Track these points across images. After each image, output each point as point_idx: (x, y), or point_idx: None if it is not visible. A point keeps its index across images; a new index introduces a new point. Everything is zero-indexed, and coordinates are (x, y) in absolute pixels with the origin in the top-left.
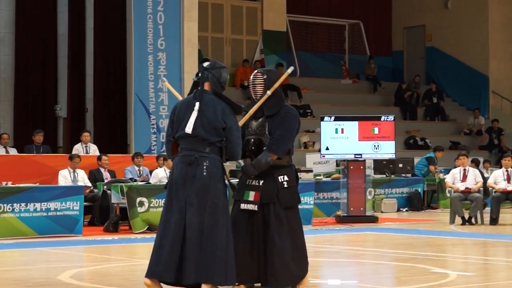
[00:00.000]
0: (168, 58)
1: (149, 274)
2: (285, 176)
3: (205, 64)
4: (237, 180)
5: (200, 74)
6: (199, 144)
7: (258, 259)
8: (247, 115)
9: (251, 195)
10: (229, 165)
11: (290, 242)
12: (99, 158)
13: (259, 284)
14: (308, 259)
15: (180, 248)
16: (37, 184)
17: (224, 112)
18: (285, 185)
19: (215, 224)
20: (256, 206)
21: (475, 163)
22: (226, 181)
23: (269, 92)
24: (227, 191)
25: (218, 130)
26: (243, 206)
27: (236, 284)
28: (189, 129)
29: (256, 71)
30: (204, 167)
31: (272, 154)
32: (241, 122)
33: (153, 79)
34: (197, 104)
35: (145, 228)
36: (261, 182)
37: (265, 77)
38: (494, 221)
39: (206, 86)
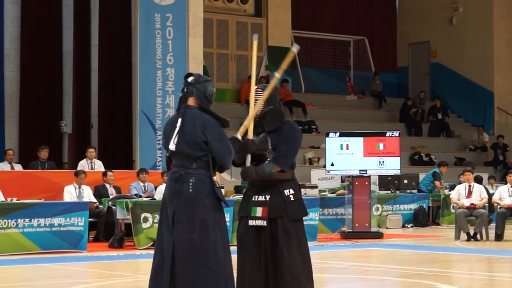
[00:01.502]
0: (175, 73)
1: None
2: (291, 190)
3: (190, 79)
4: (242, 196)
5: (184, 90)
6: (185, 160)
7: (267, 274)
8: (249, 119)
9: (259, 211)
10: (234, 181)
11: (299, 256)
12: (104, 174)
13: None
14: (313, 274)
15: (172, 264)
16: (42, 200)
17: (204, 125)
18: (292, 199)
19: (206, 239)
20: (265, 221)
21: (477, 180)
22: (218, 195)
23: (277, 75)
24: (221, 205)
25: (200, 144)
26: (251, 222)
27: None
28: (172, 146)
29: (256, 87)
30: (190, 184)
31: (277, 166)
32: (242, 130)
33: (161, 95)
34: (180, 120)
35: (150, 244)
36: (268, 197)
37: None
38: (499, 237)
39: (191, 101)
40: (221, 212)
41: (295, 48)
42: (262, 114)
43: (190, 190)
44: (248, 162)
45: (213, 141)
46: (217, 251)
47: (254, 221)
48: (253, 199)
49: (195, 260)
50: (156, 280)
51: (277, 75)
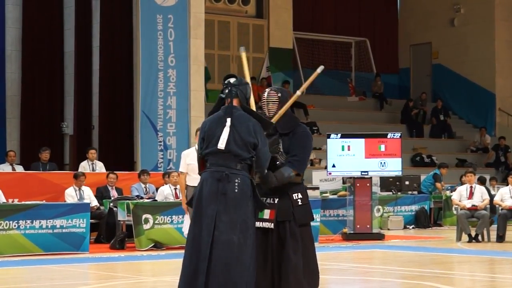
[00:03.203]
0: (177, 75)
1: None
2: (299, 194)
3: (232, 80)
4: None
5: (227, 90)
6: (230, 160)
7: (272, 277)
8: (276, 118)
9: (266, 213)
10: None
11: (303, 260)
12: (107, 176)
13: None
14: None
15: (208, 265)
16: (44, 201)
17: (255, 128)
18: (299, 203)
19: (244, 243)
20: (272, 224)
21: (481, 181)
22: (259, 199)
23: (298, 93)
24: (254, 210)
25: (250, 146)
26: (258, 224)
27: None
28: (222, 144)
29: (269, 88)
30: (236, 184)
31: (295, 171)
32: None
33: (163, 96)
34: (229, 120)
35: (151, 246)
36: (276, 200)
37: (279, 95)
38: (500, 238)
39: (235, 102)
40: (254, 217)
41: (319, 69)
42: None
43: (236, 191)
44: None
45: (261, 144)
46: (249, 256)
47: (261, 223)
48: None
49: (230, 264)
50: (192, 283)
51: (299, 92)
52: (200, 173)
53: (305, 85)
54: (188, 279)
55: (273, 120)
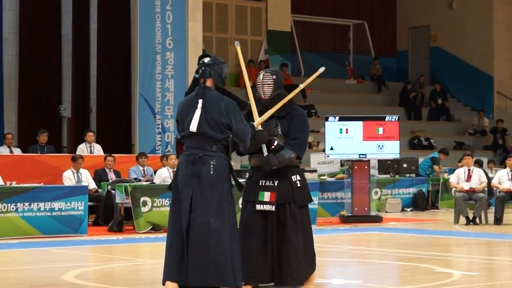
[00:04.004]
0: (175, 58)
1: (165, 278)
2: (298, 176)
3: (206, 60)
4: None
5: (201, 70)
6: (205, 142)
7: (272, 259)
8: (267, 114)
9: (267, 196)
10: (233, 165)
11: (303, 241)
12: (105, 159)
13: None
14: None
15: (186, 248)
16: (41, 184)
17: (228, 107)
18: (299, 185)
19: (222, 224)
20: (273, 206)
21: (479, 164)
22: (233, 180)
23: (301, 86)
24: (232, 191)
25: (223, 126)
26: (259, 207)
27: (243, 283)
28: (193, 127)
29: (264, 71)
30: (211, 166)
31: (295, 153)
32: (259, 121)
33: (161, 79)
34: (200, 101)
35: (149, 228)
36: (276, 182)
37: (274, 77)
38: (498, 221)
39: (209, 82)
40: (233, 197)
41: (322, 69)
42: (270, 99)
43: (211, 172)
44: (265, 151)
45: (236, 123)
46: (231, 236)
47: (261, 205)
48: (260, 184)
49: (209, 245)
50: (175, 267)
51: (301, 86)
52: (177, 156)
53: (308, 81)
54: (172, 263)
55: (264, 118)
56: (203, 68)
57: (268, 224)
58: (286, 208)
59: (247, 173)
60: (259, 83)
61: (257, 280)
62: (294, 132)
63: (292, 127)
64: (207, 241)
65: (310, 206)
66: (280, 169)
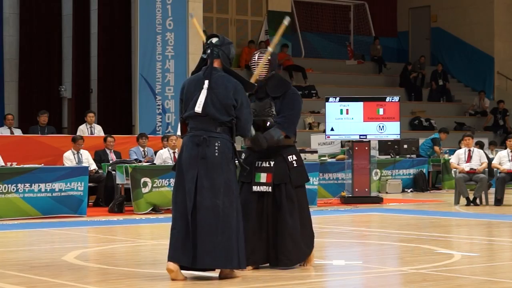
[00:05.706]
0: (175, 38)
1: (169, 259)
2: (294, 156)
3: (214, 40)
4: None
5: (209, 51)
6: (209, 123)
7: (268, 240)
8: (254, 78)
9: (263, 177)
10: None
11: (300, 221)
12: (105, 139)
13: (266, 264)
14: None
15: (192, 230)
16: (42, 165)
17: (235, 89)
18: (295, 165)
19: (230, 206)
20: (270, 187)
21: (480, 145)
22: (237, 162)
23: (270, 49)
24: (236, 172)
25: (229, 108)
26: (255, 188)
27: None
28: (199, 108)
29: (259, 51)
30: (216, 148)
31: (283, 132)
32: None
33: (161, 59)
34: (207, 82)
35: (149, 209)
36: (272, 163)
37: (269, 57)
38: (498, 201)
39: (216, 63)
40: (237, 179)
41: (286, 21)
42: (265, 80)
43: (216, 154)
44: (253, 131)
45: (242, 106)
46: (238, 219)
47: (258, 187)
48: (256, 165)
49: (217, 227)
50: (180, 248)
51: (270, 49)
52: (181, 137)
53: (274, 40)
54: (174, 243)
55: (252, 80)
56: (211, 48)
57: (264, 205)
58: (282, 189)
59: (243, 154)
60: (254, 63)
61: (253, 260)
62: (284, 110)
63: (283, 105)
64: (214, 223)
65: (310, 187)
66: (276, 149)
